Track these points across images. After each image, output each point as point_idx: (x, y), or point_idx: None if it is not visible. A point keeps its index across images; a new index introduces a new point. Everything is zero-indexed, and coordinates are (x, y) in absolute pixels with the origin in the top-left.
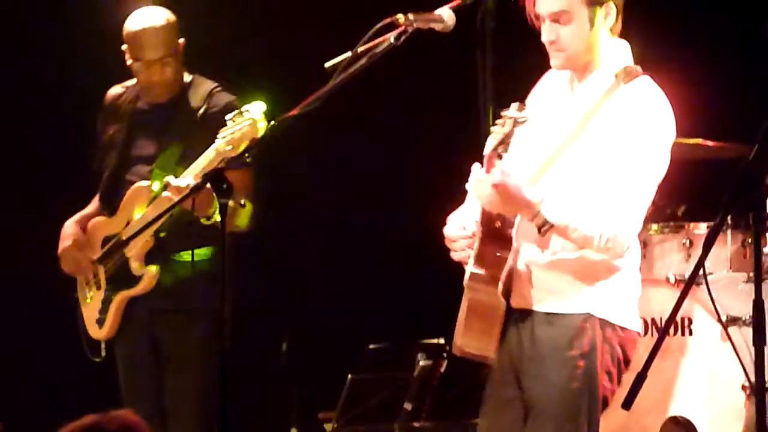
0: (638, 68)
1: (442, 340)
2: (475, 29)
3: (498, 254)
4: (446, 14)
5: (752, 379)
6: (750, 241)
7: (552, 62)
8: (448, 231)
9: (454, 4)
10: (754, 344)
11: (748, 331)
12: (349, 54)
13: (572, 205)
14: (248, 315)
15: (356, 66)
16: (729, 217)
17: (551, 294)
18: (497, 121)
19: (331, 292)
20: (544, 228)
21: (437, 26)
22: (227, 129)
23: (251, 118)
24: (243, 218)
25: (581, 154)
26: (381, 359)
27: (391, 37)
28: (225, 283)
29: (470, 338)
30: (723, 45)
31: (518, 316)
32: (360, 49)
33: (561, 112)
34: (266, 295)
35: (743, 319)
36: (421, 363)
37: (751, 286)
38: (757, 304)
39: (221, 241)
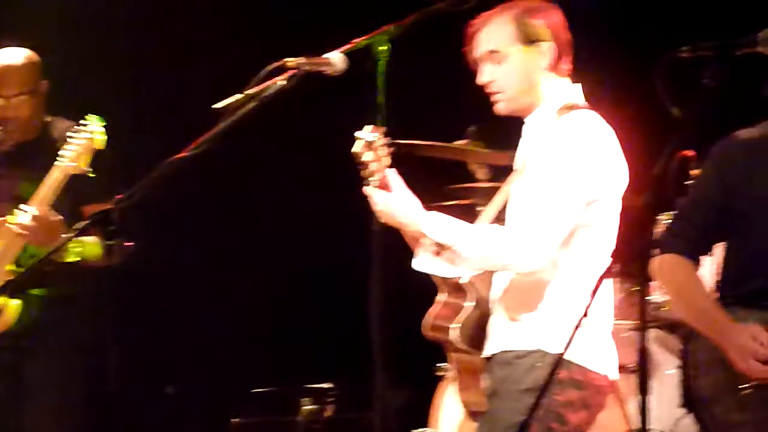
0: (580, 104)
1: (328, 385)
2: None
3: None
4: (337, 58)
5: (637, 426)
6: (636, 289)
7: (495, 109)
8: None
9: (345, 48)
10: (639, 392)
11: (633, 379)
12: (238, 96)
13: (459, 225)
14: (131, 357)
15: (246, 108)
16: (616, 266)
17: (505, 334)
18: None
19: (216, 335)
20: (436, 249)
21: (327, 70)
22: (68, 146)
23: (90, 131)
24: (90, 251)
25: (518, 192)
26: (265, 403)
27: (280, 79)
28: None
29: (472, 395)
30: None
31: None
32: (249, 91)
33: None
34: (150, 337)
35: (628, 367)
36: (306, 407)
37: (637, 334)
38: (643, 352)
39: (96, 280)
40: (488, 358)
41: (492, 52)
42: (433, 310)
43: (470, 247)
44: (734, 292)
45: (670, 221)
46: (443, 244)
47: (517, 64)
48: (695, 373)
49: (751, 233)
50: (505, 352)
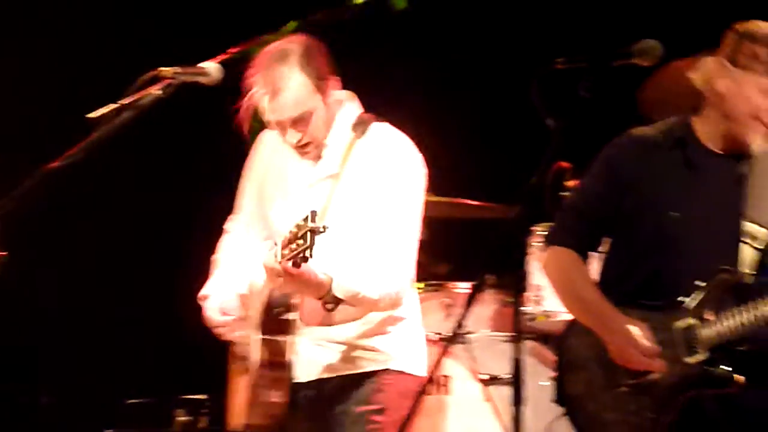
0: (370, 116)
1: (202, 396)
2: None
3: (279, 339)
4: (212, 68)
5: None
6: (510, 300)
7: (304, 157)
8: (211, 316)
9: (221, 57)
10: (512, 403)
11: (508, 391)
12: (113, 105)
13: (355, 275)
14: (3, 367)
15: (121, 118)
16: (491, 277)
17: (344, 360)
18: (292, 231)
19: (90, 345)
20: (333, 305)
21: (203, 79)
22: None
23: None
24: None
25: (339, 218)
26: (139, 414)
27: (155, 89)
28: None
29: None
30: (488, 107)
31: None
32: (124, 101)
33: (307, 181)
34: (23, 347)
35: (502, 378)
36: (180, 419)
37: (511, 346)
38: (517, 363)
39: None
40: (320, 381)
41: (306, 113)
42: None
43: (369, 294)
44: (615, 289)
45: (560, 215)
46: (346, 299)
47: (322, 110)
48: (570, 370)
49: (635, 232)
50: (348, 376)
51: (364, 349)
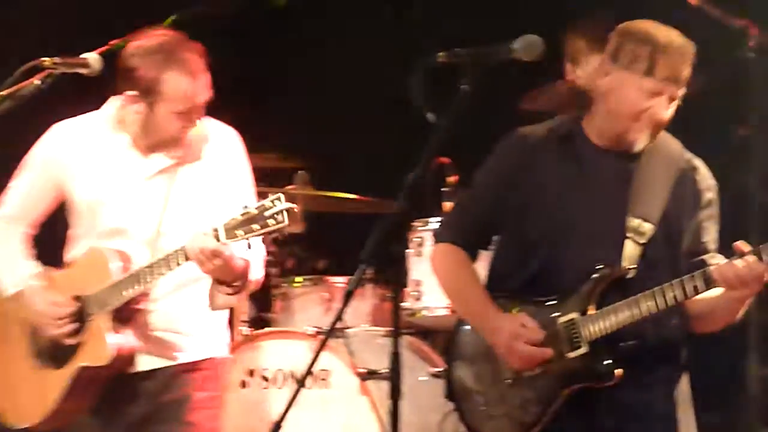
0: None
1: None
2: None
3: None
4: (93, 59)
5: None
6: (389, 295)
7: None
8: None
9: (102, 49)
10: (390, 398)
11: (386, 385)
12: None
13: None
14: None
15: (0, 108)
16: (370, 272)
17: (177, 348)
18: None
19: None
20: (238, 290)
21: (83, 70)
22: None
23: None
24: None
25: (182, 209)
26: None
27: (36, 79)
28: None
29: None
30: (368, 100)
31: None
32: (3, 92)
33: (143, 174)
34: None
35: (381, 373)
36: None
37: (390, 341)
38: (395, 357)
39: None
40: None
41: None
42: None
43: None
44: (502, 285)
45: (449, 212)
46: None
47: None
48: (459, 365)
49: (523, 228)
50: (181, 365)
51: (186, 336)
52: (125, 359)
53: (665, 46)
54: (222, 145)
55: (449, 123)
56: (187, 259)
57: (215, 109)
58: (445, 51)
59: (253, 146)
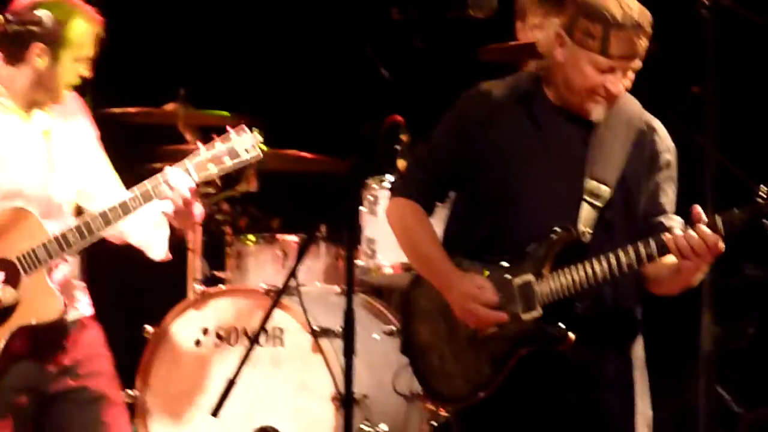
0: None
1: None
2: None
3: None
4: (45, 15)
5: (342, 390)
6: (343, 253)
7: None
8: None
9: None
10: (344, 355)
11: (339, 343)
12: None
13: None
14: None
15: None
16: (323, 230)
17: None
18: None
19: None
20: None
21: (35, 29)
22: None
23: None
24: None
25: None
26: None
27: None
28: None
29: None
30: (320, 57)
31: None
32: None
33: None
34: None
35: (335, 331)
36: None
37: (344, 299)
38: (348, 315)
39: None
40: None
41: None
42: None
43: None
44: (458, 243)
45: (406, 166)
46: None
47: None
48: (415, 320)
49: (480, 186)
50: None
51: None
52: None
53: (620, 23)
54: (76, 106)
55: (402, 80)
56: (146, 201)
57: (163, 68)
58: (398, 7)
59: (203, 104)
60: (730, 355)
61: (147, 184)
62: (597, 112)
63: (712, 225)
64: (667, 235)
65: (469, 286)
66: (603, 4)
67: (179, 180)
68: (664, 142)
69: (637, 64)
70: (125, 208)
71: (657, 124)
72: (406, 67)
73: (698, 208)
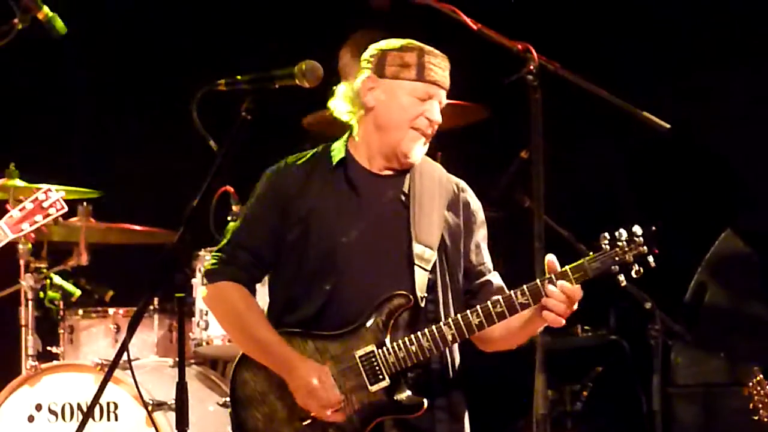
0: None
1: None
2: None
3: None
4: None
5: None
6: (176, 325)
7: None
8: None
9: None
10: (177, 428)
11: (173, 416)
12: None
13: None
14: None
15: None
16: (155, 302)
17: None
18: None
19: None
20: None
21: None
22: None
23: None
24: None
25: None
26: None
27: None
28: None
29: None
30: (153, 129)
31: None
32: None
33: None
34: None
35: (168, 403)
36: None
37: (177, 371)
38: (181, 387)
39: None
40: None
41: None
42: None
43: None
44: (286, 319)
45: (219, 249)
46: None
47: None
48: (247, 406)
49: (303, 259)
50: None
51: None
52: None
53: (431, 51)
54: None
55: (230, 150)
56: None
57: None
58: (226, 77)
59: (32, 179)
60: (564, 417)
61: None
62: (416, 152)
63: (565, 277)
64: (544, 282)
65: (310, 382)
66: (407, 40)
67: None
68: (476, 201)
69: (445, 99)
70: None
71: (464, 184)
72: (232, 137)
73: (553, 260)
